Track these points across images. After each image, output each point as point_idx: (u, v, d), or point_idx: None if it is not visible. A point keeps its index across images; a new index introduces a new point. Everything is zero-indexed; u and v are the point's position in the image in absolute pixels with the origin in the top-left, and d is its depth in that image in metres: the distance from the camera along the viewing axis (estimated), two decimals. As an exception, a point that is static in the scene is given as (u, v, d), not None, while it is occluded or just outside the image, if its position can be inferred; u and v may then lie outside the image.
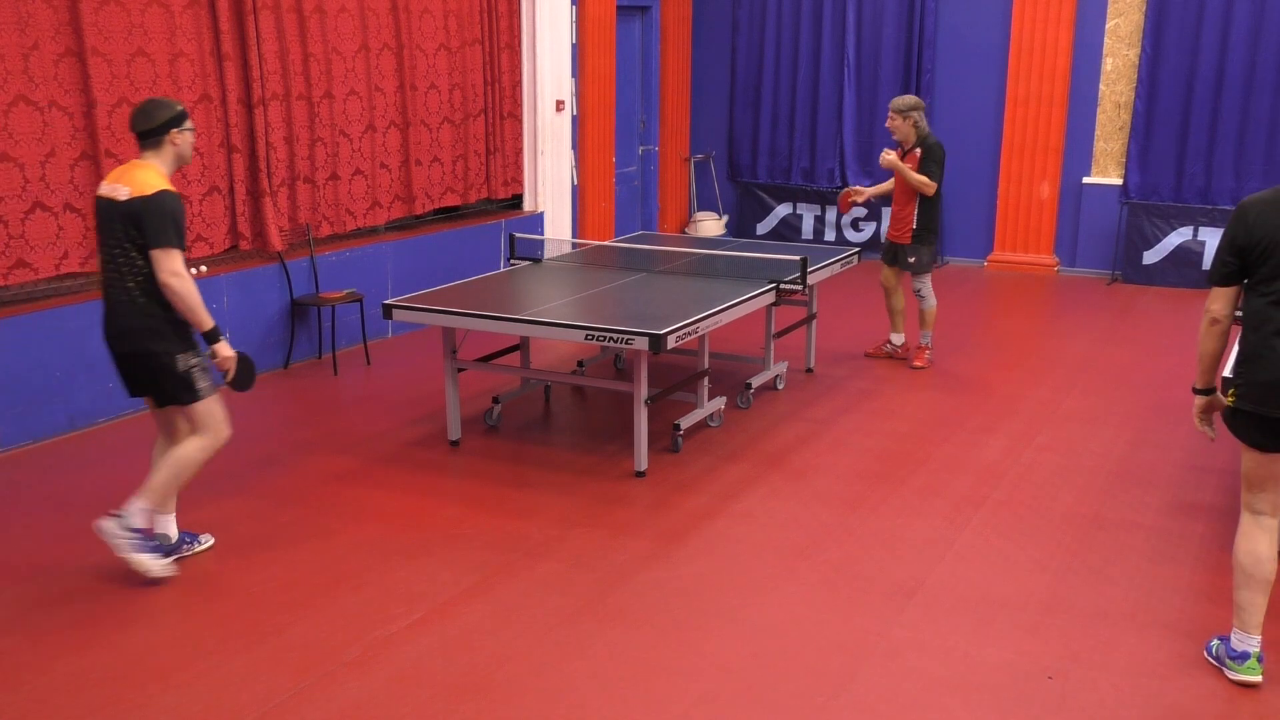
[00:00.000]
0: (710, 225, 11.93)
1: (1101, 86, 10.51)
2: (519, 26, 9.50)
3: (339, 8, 7.77)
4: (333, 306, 7.59)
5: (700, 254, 7.34)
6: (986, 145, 10.93)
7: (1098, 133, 10.59)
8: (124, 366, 4.43)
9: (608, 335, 5.39)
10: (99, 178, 6.29)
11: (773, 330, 6.96)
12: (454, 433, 6.09)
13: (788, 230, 11.88)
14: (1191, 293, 9.81)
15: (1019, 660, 3.95)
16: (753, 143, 12.01)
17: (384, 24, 8.16)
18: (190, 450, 4.44)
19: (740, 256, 7.03)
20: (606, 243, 8.14)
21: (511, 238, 7.36)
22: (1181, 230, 10.20)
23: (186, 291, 4.25)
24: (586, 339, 5.47)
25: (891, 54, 11.14)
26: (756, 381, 6.81)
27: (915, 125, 7.29)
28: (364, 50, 8.01)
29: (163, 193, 4.21)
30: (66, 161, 6.17)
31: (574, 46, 10.02)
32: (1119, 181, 10.51)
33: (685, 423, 6.05)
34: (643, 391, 5.54)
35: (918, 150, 7.29)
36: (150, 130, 4.27)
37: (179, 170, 4.50)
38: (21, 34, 5.88)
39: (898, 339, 7.75)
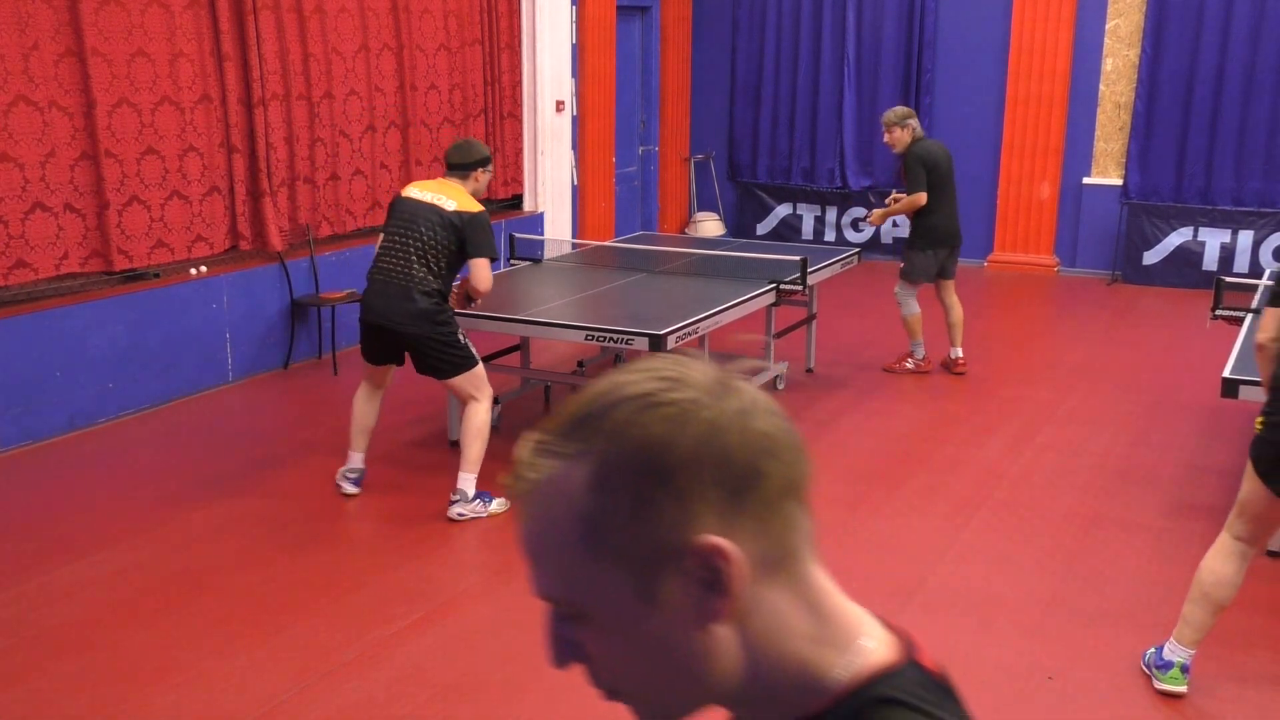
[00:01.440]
0: (710, 225, 11.93)
1: (1101, 86, 10.52)
2: (519, 26, 9.50)
3: (339, 8, 7.77)
4: (333, 306, 7.58)
5: (700, 254, 7.34)
6: (986, 145, 10.92)
7: (1098, 133, 10.59)
8: (401, 347, 5.07)
9: (608, 335, 5.39)
10: (99, 178, 6.29)
11: (773, 330, 6.96)
12: (454, 433, 6.08)
13: (788, 230, 11.88)
14: (1192, 293, 9.80)
15: (1019, 660, 3.95)
16: (753, 143, 12.01)
17: (384, 24, 8.16)
18: (479, 416, 5.07)
19: (740, 257, 7.03)
20: (606, 243, 8.14)
21: (511, 238, 7.36)
22: (1182, 230, 10.20)
23: (490, 289, 5.14)
24: (586, 339, 5.47)
25: (891, 54, 11.14)
26: (756, 381, 6.78)
27: (913, 131, 7.11)
28: (364, 50, 8.01)
29: (484, 212, 5.06)
30: (66, 161, 6.17)
31: (574, 46, 10.02)
32: (1119, 182, 10.50)
33: (685, 423, 6.03)
34: (643, 391, 5.53)
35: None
36: (463, 164, 5.14)
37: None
38: (21, 34, 5.87)
39: (953, 352, 7.48)
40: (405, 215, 5.02)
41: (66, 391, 6.17)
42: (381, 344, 5.12)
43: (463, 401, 5.17)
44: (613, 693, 0.97)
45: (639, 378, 0.94)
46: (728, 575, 0.89)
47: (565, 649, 0.97)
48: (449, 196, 5.01)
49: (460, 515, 5.05)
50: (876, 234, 11.39)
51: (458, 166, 5.13)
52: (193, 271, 6.99)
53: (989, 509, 5.26)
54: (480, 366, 5.12)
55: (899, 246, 7.63)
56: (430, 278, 4.94)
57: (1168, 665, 3.70)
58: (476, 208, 5.02)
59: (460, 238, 4.96)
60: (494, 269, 5.21)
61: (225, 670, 3.85)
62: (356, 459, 5.31)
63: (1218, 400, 5.29)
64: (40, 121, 6.00)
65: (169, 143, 6.71)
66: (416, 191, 5.08)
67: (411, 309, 4.92)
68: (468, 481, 5.06)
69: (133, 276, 6.70)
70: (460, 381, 5.07)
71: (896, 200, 7.24)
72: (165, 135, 6.67)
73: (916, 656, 0.98)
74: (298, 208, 7.63)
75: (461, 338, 5.06)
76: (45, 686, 3.76)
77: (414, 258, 4.93)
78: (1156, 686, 3.73)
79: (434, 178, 5.24)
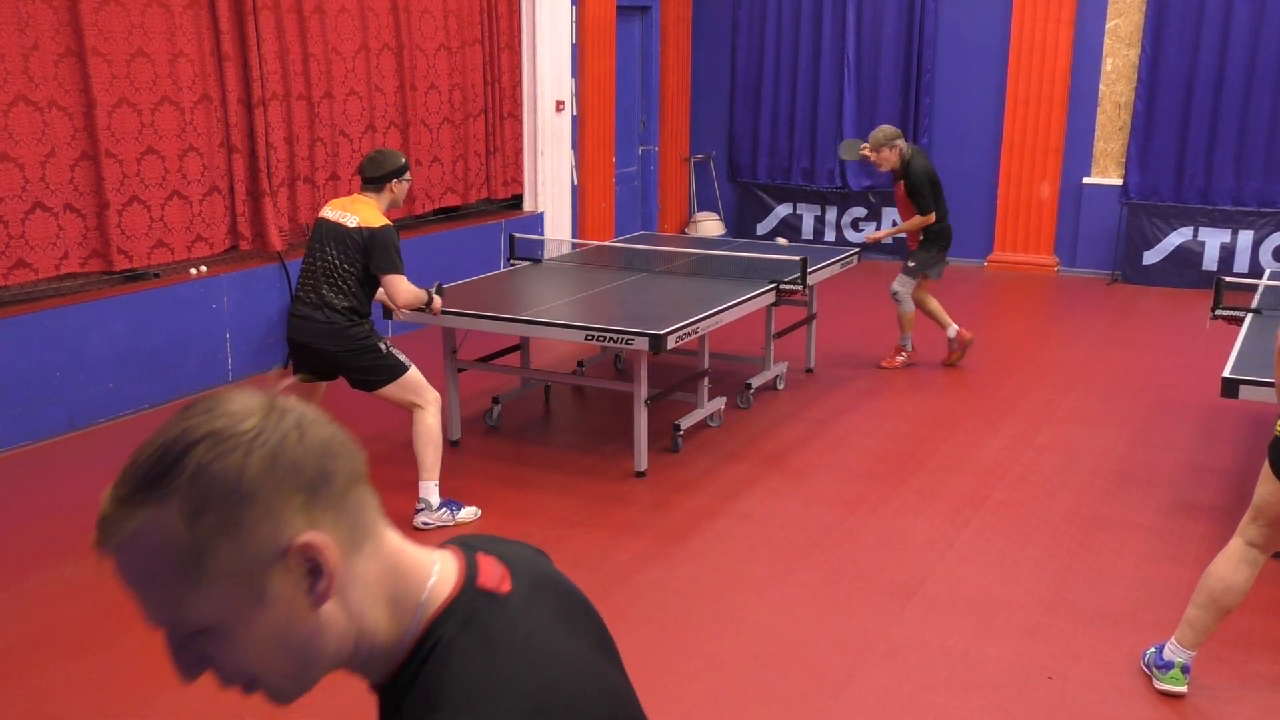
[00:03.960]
0: (710, 225, 11.92)
1: (1101, 86, 10.52)
2: (519, 26, 9.50)
3: (339, 8, 7.77)
4: (333, 306, 7.58)
5: (700, 254, 7.35)
6: (987, 145, 10.93)
7: (1098, 133, 10.59)
8: (324, 363, 4.95)
9: (608, 335, 5.39)
10: (99, 178, 6.30)
11: (773, 330, 6.96)
12: (454, 433, 6.09)
13: (788, 230, 11.88)
14: (1192, 293, 9.81)
15: (1019, 660, 3.95)
16: (753, 143, 12.01)
17: (384, 24, 8.16)
18: (428, 422, 4.98)
19: (740, 256, 7.03)
20: (606, 243, 8.14)
21: (511, 238, 7.36)
22: (1182, 230, 10.20)
23: (413, 302, 4.98)
24: (586, 339, 5.47)
25: (891, 54, 11.14)
26: (756, 381, 6.80)
27: (900, 151, 7.27)
28: (364, 50, 8.01)
29: (388, 227, 4.88)
30: (66, 161, 6.17)
31: (574, 46, 10.02)
32: (1119, 182, 10.50)
33: (685, 423, 6.04)
34: (643, 391, 5.54)
35: (903, 181, 7.28)
36: (376, 177, 4.97)
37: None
38: (21, 34, 5.88)
39: (950, 331, 7.57)
40: (317, 236, 4.93)
41: (66, 391, 6.17)
42: (306, 359, 5.03)
43: (407, 411, 5.04)
44: (247, 686, 1.11)
45: (201, 420, 1.08)
46: (324, 561, 1.07)
47: (192, 663, 1.10)
48: (353, 213, 4.87)
49: (425, 525, 4.99)
50: (876, 234, 11.40)
51: (371, 180, 4.96)
52: (193, 271, 6.99)
53: (989, 509, 5.26)
54: (413, 372, 4.99)
55: (900, 246, 7.66)
56: (338, 298, 4.85)
57: (1168, 665, 3.70)
58: (380, 223, 4.85)
59: (365, 255, 4.83)
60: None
61: (225, 670, 3.85)
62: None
63: (1218, 400, 5.29)
64: (40, 121, 6.00)
65: (169, 143, 6.71)
66: (329, 211, 4.97)
67: (324, 327, 4.86)
68: (429, 490, 5.01)
69: (133, 276, 6.70)
70: (393, 391, 4.96)
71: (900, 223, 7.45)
72: (165, 135, 6.68)
73: (477, 578, 1.18)
74: (298, 208, 7.63)
75: (384, 347, 4.95)
76: (45, 686, 3.76)
77: (321, 278, 4.86)
78: (1157, 686, 3.72)
79: (352, 193, 5.05)
